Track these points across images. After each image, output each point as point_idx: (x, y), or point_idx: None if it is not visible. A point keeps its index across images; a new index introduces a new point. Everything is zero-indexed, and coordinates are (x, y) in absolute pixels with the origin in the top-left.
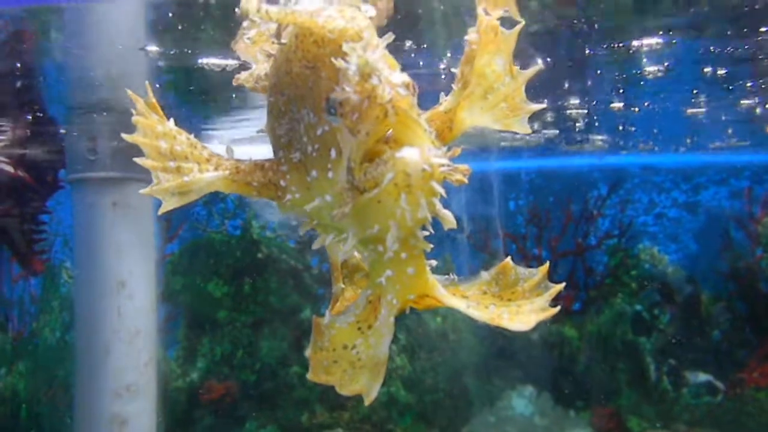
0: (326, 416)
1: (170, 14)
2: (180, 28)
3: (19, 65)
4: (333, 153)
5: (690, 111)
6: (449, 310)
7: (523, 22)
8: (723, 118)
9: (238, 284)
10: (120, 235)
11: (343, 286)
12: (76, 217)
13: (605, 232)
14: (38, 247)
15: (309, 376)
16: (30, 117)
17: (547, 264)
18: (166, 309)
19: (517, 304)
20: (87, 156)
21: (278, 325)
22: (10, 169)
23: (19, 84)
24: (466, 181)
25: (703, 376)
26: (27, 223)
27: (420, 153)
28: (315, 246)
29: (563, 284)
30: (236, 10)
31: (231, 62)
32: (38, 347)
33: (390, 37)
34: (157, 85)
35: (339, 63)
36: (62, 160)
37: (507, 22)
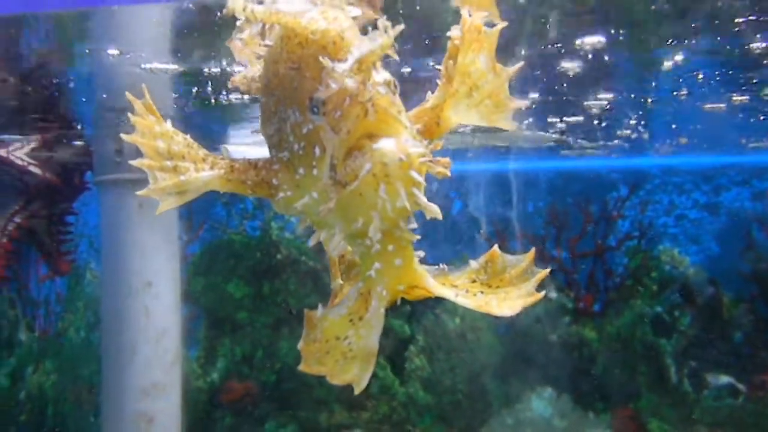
0: (345, 416)
1: (194, 20)
2: (202, 34)
3: (47, 69)
4: (317, 150)
5: (708, 106)
6: (468, 311)
7: (505, 23)
8: (750, 119)
9: (258, 285)
10: (146, 235)
11: (341, 282)
12: (102, 218)
13: (625, 233)
14: (65, 247)
15: (301, 367)
16: (58, 120)
17: (533, 250)
18: (188, 309)
19: (505, 290)
20: (114, 158)
21: (297, 325)
22: (38, 171)
23: (47, 88)
24: (448, 173)
25: (724, 378)
26: (54, 224)
27: (396, 143)
28: (311, 243)
29: (548, 270)
30: (223, 10)
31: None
32: (63, 346)
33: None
34: (178, 92)
35: (325, 61)
36: (89, 162)
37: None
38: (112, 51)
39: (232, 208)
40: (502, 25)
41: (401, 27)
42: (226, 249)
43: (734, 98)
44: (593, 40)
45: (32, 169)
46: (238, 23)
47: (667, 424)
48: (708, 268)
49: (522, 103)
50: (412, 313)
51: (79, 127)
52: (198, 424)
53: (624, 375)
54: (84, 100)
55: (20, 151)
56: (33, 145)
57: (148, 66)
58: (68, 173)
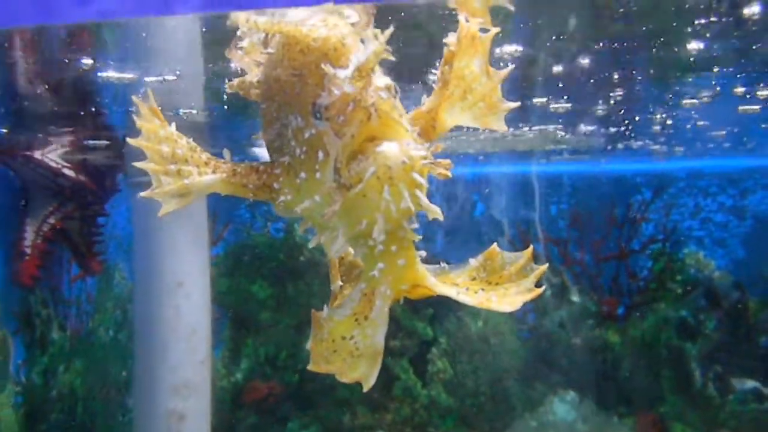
0: (368, 417)
1: (224, 26)
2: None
3: (80, 74)
4: (320, 155)
5: (742, 108)
6: (491, 314)
7: (497, 30)
8: None
9: (282, 286)
10: (177, 236)
11: (342, 283)
12: (135, 219)
13: (649, 236)
14: (96, 248)
15: (310, 366)
16: (91, 123)
17: (531, 247)
18: (213, 309)
19: (504, 287)
20: None
21: None
22: (72, 173)
23: (80, 92)
24: (449, 174)
25: (749, 383)
26: (86, 225)
27: (399, 147)
28: (311, 245)
29: (546, 266)
30: (227, 21)
31: None
32: (93, 346)
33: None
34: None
35: (327, 68)
36: (121, 164)
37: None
38: (143, 53)
39: (256, 209)
40: (494, 31)
41: (390, 30)
42: (250, 250)
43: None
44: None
45: (66, 171)
46: (238, 32)
47: (691, 429)
48: (734, 272)
49: (513, 105)
50: (435, 315)
51: (111, 129)
52: (223, 424)
53: (648, 379)
54: (116, 102)
55: (54, 153)
56: (66, 147)
57: (178, 71)
58: (100, 175)
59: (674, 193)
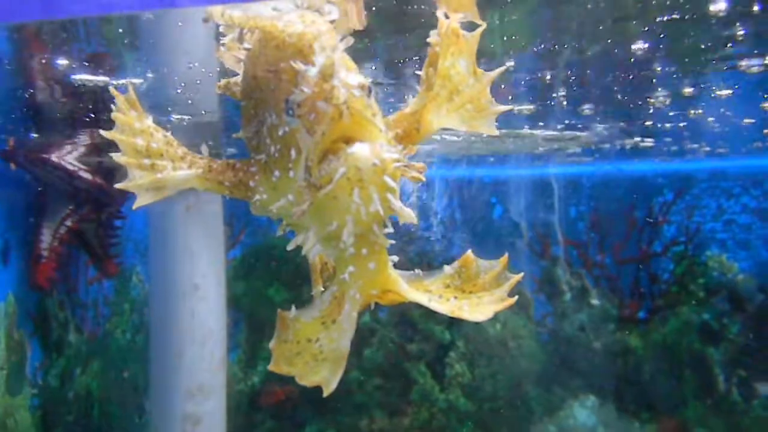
0: (385, 422)
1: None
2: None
3: (95, 76)
4: (293, 153)
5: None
6: (510, 317)
7: (484, 25)
8: None
9: (298, 290)
10: (193, 238)
11: (323, 288)
12: (151, 222)
13: (671, 238)
14: (113, 251)
15: (270, 366)
16: (107, 124)
17: (506, 256)
18: (228, 313)
19: (478, 295)
20: None
21: None
22: (88, 176)
23: (97, 94)
24: (423, 178)
25: None
26: (103, 227)
27: (371, 148)
28: (289, 247)
29: (521, 274)
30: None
31: None
32: (110, 348)
33: (349, 40)
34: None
35: (298, 65)
36: None
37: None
38: (158, 54)
39: None
40: (481, 28)
41: (350, 41)
42: (266, 254)
43: None
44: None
45: (82, 174)
46: (220, 29)
47: None
48: (758, 275)
49: (504, 108)
50: (452, 319)
51: None
52: (239, 427)
53: (670, 383)
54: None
55: (70, 155)
56: (82, 150)
57: (194, 68)
58: (117, 178)
59: (696, 195)
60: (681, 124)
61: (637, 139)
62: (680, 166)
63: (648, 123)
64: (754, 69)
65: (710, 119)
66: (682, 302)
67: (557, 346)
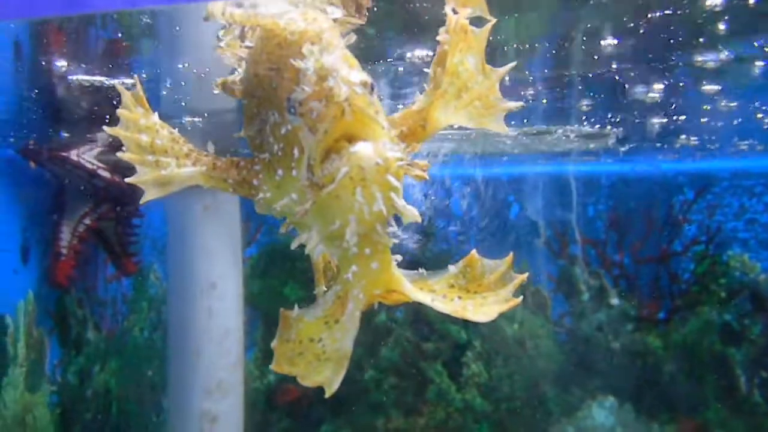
0: (401, 421)
1: None
2: None
3: (113, 74)
4: (296, 152)
5: None
6: (527, 317)
7: (494, 20)
8: None
9: (313, 289)
10: (211, 237)
11: (326, 288)
12: (169, 220)
13: (692, 238)
14: (131, 249)
15: (272, 366)
16: None
17: (511, 255)
18: (245, 312)
19: (483, 296)
20: None
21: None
22: (107, 174)
23: (115, 91)
24: (426, 176)
25: None
26: (121, 226)
27: (374, 147)
28: (293, 246)
29: (526, 275)
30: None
31: None
32: (128, 346)
33: (351, 38)
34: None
35: (298, 64)
36: None
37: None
38: (174, 51)
39: None
40: (490, 24)
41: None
42: (282, 252)
43: None
44: None
45: (101, 172)
46: (221, 29)
47: None
48: None
49: (514, 105)
50: None
51: None
52: (256, 426)
53: (690, 384)
54: (149, 101)
55: (90, 154)
56: (101, 148)
57: (209, 64)
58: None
59: (718, 193)
60: (702, 120)
61: (657, 134)
62: (702, 164)
63: (667, 120)
64: None
65: (731, 118)
66: (702, 302)
67: (575, 346)
